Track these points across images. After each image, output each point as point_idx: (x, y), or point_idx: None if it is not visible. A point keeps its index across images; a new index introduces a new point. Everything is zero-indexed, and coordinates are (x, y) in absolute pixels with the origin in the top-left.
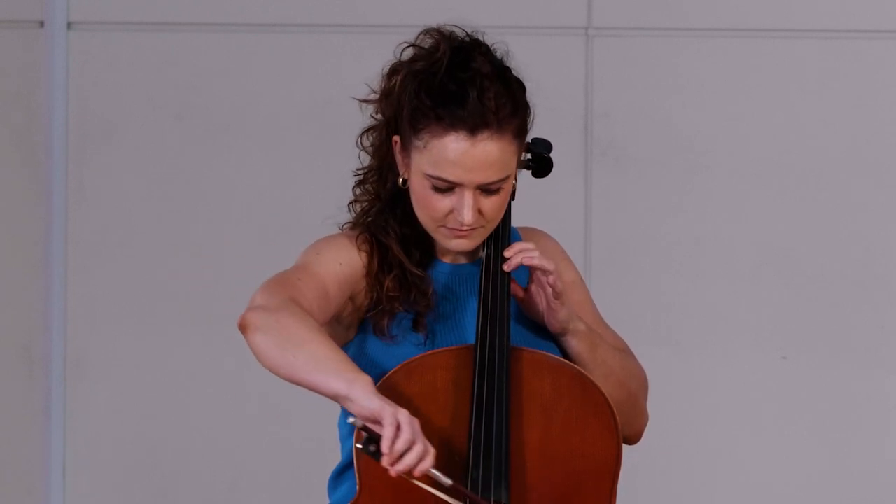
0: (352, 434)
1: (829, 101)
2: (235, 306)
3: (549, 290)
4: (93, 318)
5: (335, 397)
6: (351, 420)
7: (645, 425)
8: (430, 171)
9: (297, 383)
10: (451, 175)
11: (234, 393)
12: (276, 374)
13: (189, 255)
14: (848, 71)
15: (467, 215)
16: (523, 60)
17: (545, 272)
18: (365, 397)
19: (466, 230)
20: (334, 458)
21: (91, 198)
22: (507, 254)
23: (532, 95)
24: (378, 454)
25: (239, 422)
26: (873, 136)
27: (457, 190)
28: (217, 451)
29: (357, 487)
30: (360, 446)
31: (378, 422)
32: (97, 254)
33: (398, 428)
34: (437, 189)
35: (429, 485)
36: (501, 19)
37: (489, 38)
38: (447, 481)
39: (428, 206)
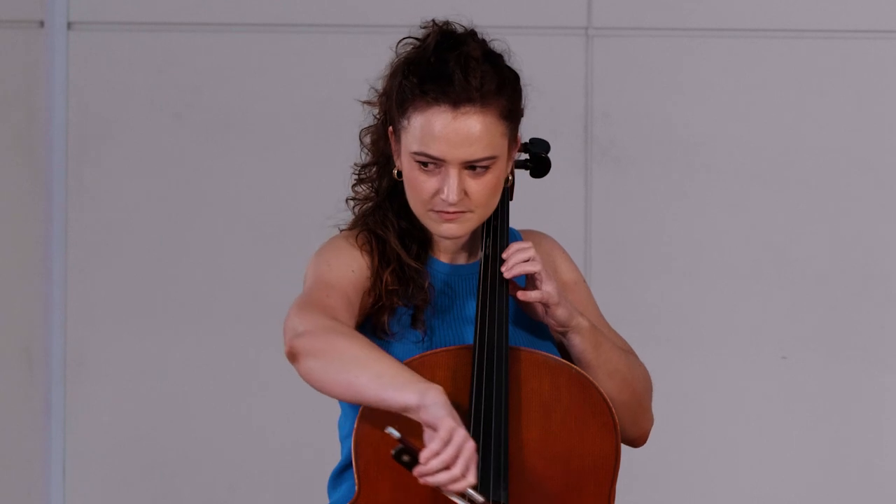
0: (350, 436)
1: (829, 101)
2: (235, 306)
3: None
4: (93, 318)
5: (405, 410)
6: (388, 430)
7: (650, 427)
8: (415, 149)
9: (362, 402)
10: (434, 150)
11: (234, 393)
12: (338, 396)
13: (189, 255)
14: (848, 71)
15: (451, 194)
16: (523, 60)
17: (538, 279)
18: (435, 406)
19: (453, 213)
20: (334, 458)
21: (91, 198)
22: (504, 255)
23: (532, 95)
24: (410, 465)
25: (239, 422)
26: (873, 136)
27: (442, 168)
28: (217, 451)
29: (357, 487)
30: (392, 454)
31: (434, 429)
32: (97, 254)
33: (446, 444)
34: (424, 168)
35: (459, 500)
36: (501, 19)
37: (489, 37)
38: (480, 499)
39: (415, 188)
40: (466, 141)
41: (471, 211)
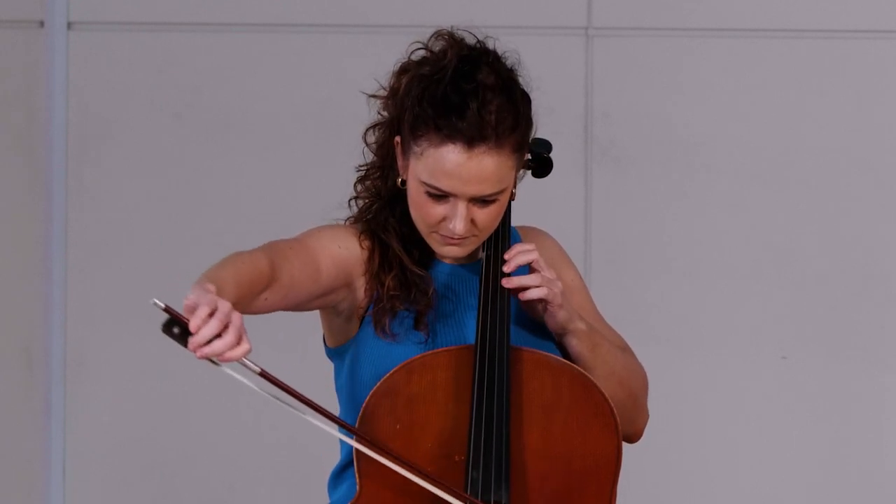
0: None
1: (829, 101)
2: None
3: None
4: (93, 318)
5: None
6: (153, 301)
7: (645, 424)
8: (425, 179)
9: None
10: (445, 185)
11: (234, 393)
12: None
13: (189, 255)
14: (848, 71)
15: (458, 226)
16: (523, 60)
17: (541, 278)
18: (194, 290)
19: (458, 239)
20: (334, 458)
21: (91, 198)
22: (506, 256)
23: (533, 96)
24: (182, 338)
25: (239, 421)
26: (873, 136)
27: (451, 199)
28: (217, 451)
29: (357, 487)
30: (161, 328)
31: (195, 305)
32: (97, 254)
33: (211, 314)
34: (432, 196)
35: (240, 373)
36: (501, 19)
37: (500, 44)
38: (256, 368)
39: (421, 212)
40: (478, 179)
41: (475, 235)
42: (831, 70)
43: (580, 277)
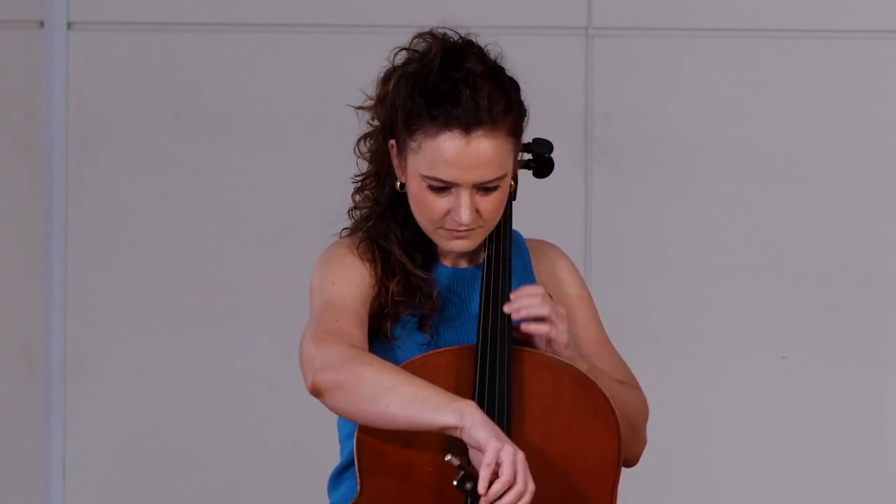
0: (352, 435)
1: (829, 101)
2: (236, 306)
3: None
4: (93, 318)
5: (444, 430)
6: (448, 458)
7: (643, 449)
8: (426, 172)
9: (396, 428)
10: (446, 175)
11: (234, 393)
12: (370, 424)
13: (189, 255)
14: (848, 71)
15: (465, 215)
16: (523, 60)
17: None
18: (474, 428)
19: (465, 230)
20: (334, 458)
21: (91, 198)
22: (512, 297)
23: (532, 95)
24: (474, 493)
25: (239, 421)
26: (873, 136)
27: (453, 190)
28: (217, 451)
29: (357, 487)
30: (455, 484)
31: (480, 451)
32: (97, 254)
33: (498, 465)
34: (434, 190)
35: None
36: (501, 19)
37: (484, 39)
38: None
39: (425, 208)
40: (478, 164)
41: (480, 227)
42: (831, 70)
43: (588, 294)
